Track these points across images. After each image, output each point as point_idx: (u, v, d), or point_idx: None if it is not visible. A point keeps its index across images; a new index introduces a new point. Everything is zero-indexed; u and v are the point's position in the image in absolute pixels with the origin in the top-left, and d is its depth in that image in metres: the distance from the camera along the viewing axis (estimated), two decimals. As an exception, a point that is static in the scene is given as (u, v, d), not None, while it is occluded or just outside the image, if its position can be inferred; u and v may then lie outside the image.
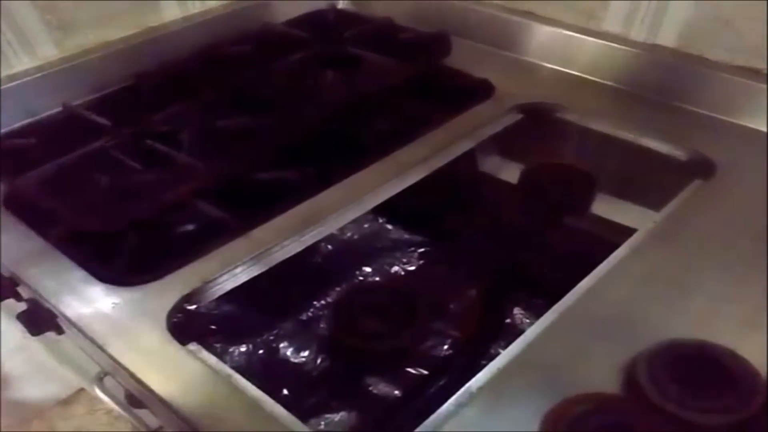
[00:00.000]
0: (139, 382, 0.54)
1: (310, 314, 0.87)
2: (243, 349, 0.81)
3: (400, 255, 0.93)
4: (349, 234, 0.95)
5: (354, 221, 0.73)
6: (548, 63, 0.93)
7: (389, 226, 0.96)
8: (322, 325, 0.86)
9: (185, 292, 0.59)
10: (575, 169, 0.78)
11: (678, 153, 0.75)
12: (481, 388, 0.50)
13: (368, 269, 0.92)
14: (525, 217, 0.81)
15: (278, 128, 0.79)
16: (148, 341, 0.56)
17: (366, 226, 0.96)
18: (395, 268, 0.92)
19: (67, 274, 0.62)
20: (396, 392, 0.79)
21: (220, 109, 0.83)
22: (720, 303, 0.56)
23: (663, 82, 0.83)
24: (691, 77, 0.81)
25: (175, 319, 0.58)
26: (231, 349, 0.80)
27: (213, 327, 0.79)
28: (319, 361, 0.82)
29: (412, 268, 0.92)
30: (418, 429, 0.48)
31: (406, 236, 0.95)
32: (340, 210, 0.69)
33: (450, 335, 0.84)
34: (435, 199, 0.85)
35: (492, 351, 0.82)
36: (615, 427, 0.45)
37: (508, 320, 0.86)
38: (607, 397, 0.47)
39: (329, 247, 0.93)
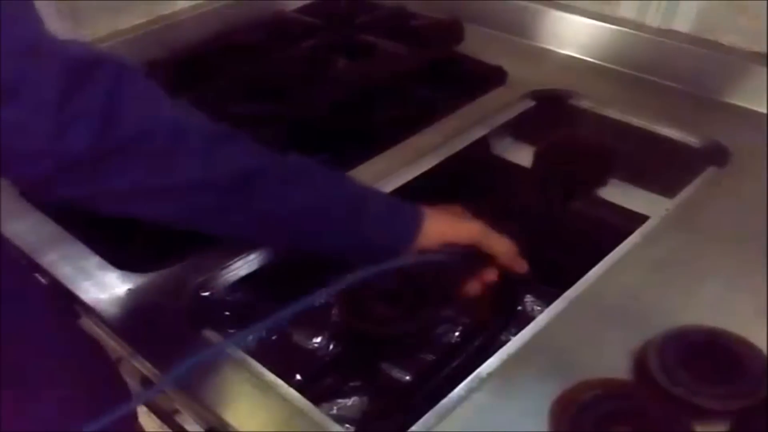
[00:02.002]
0: (154, 365, 0.55)
1: (321, 301, 0.87)
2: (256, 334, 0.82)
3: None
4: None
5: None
6: (562, 49, 0.92)
7: None
8: (334, 312, 0.86)
9: (199, 278, 0.60)
10: (590, 144, 0.77)
11: (692, 140, 0.75)
12: (491, 374, 0.50)
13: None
14: (539, 202, 0.80)
15: (290, 116, 0.79)
16: (164, 327, 0.56)
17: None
18: None
19: (84, 260, 0.63)
20: (407, 378, 0.79)
21: (232, 96, 0.83)
22: (732, 291, 0.56)
23: (678, 69, 0.82)
24: (706, 63, 0.81)
25: (189, 305, 0.58)
26: (244, 335, 0.81)
27: (227, 313, 0.80)
28: (331, 346, 0.82)
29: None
30: (428, 413, 0.48)
31: None
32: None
33: (461, 322, 0.85)
34: (447, 186, 0.85)
35: (503, 338, 0.82)
36: (625, 412, 0.45)
37: (519, 307, 0.86)
38: (617, 382, 0.47)
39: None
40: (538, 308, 0.85)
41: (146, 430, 0.72)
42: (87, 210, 0.51)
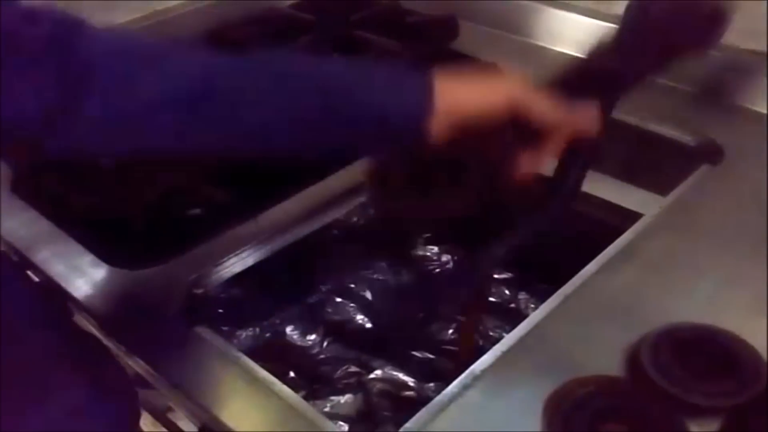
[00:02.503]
0: (148, 363, 0.55)
1: (316, 298, 0.87)
2: (250, 332, 0.82)
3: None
4: (355, 219, 0.96)
5: (360, 206, 0.74)
6: (557, 47, 0.92)
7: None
8: (328, 309, 0.86)
9: (192, 275, 0.60)
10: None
11: (686, 138, 0.75)
12: (485, 371, 0.50)
13: (383, 264, 0.91)
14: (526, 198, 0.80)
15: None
16: (157, 324, 0.56)
17: (372, 211, 0.96)
18: None
19: (77, 257, 0.63)
20: (401, 375, 0.80)
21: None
22: (725, 288, 0.56)
23: (674, 67, 0.82)
24: (702, 61, 0.80)
25: (183, 303, 0.58)
26: (238, 333, 0.81)
27: (220, 311, 0.80)
28: (325, 344, 0.83)
29: (419, 252, 0.93)
30: (422, 410, 0.48)
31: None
32: (347, 194, 0.69)
33: (455, 319, 0.85)
34: (440, 182, 0.85)
35: (496, 335, 0.82)
36: (618, 409, 0.45)
37: (512, 305, 0.87)
38: (610, 379, 0.48)
39: (335, 232, 0.94)
40: (532, 305, 0.86)
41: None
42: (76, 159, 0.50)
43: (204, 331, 0.56)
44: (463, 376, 0.50)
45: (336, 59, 0.50)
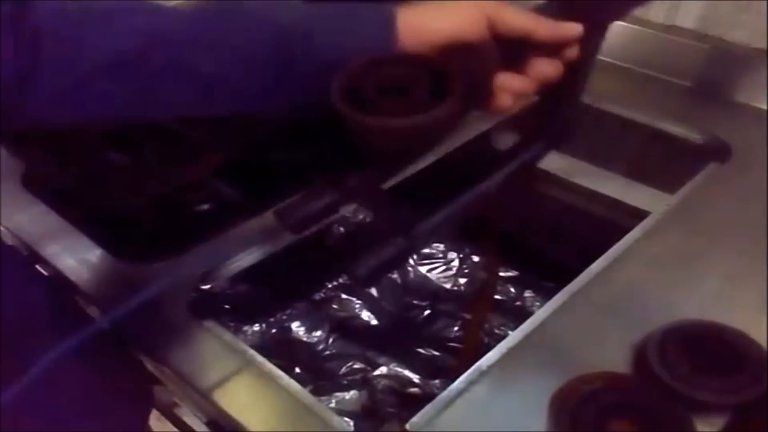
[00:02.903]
0: (155, 358, 0.55)
1: (322, 295, 0.88)
2: (256, 328, 0.83)
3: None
4: (361, 216, 0.96)
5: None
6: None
7: None
8: (334, 306, 0.87)
9: (200, 271, 0.60)
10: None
11: (694, 136, 0.75)
12: (491, 367, 0.51)
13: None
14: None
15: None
16: (166, 318, 0.57)
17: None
18: None
19: (86, 251, 0.63)
20: (406, 372, 0.80)
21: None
22: (732, 286, 0.56)
23: (681, 65, 0.82)
24: (709, 60, 0.81)
25: (191, 298, 0.59)
26: (245, 328, 0.82)
27: (227, 306, 0.80)
28: (331, 340, 0.83)
29: (425, 250, 0.93)
30: (428, 406, 0.48)
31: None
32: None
33: (461, 317, 0.85)
34: (447, 181, 0.85)
35: (501, 333, 0.82)
36: (624, 405, 0.45)
37: (518, 303, 0.87)
38: (617, 376, 0.48)
39: (341, 229, 0.94)
40: (538, 303, 0.86)
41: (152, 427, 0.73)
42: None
43: (212, 326, 0.56)
44: (469, 372, 0.50)
45: (294, 4, 0.48)
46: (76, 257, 0.63)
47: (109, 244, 0.64)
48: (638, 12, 0.87)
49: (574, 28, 0.46)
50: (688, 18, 0.83)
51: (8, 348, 0.48)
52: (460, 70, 0.43)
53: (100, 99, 0.46)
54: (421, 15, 0.46)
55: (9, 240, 0.67)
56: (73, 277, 0.61)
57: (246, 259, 0.63)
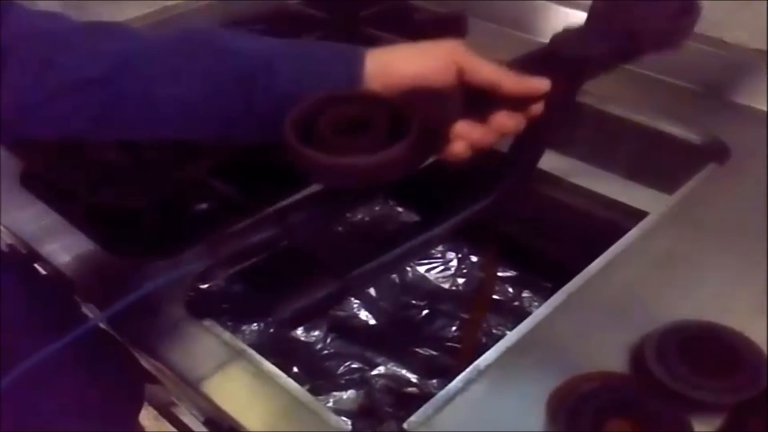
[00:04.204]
0: (153, 356, 0.55)
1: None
2: (254, 327, 0.82)
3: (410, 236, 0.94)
4: (359, 216, 0.96)
5: (364, 204, 0.74)
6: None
7: (400, 209, 0.96)
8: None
9: (199, 270, 0.60)
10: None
11: (693, 137, 0.75)
12: (489, 366, 0.51)
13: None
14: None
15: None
16: (164, 316, 0.57)
17: (377, 208, 0.97)
18: None
19: (84, 249, 0.63)
20: (404, 371, 0.80)
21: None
22: (730, 286, 0.56)
23: (680, 66, 0.82)
24: (708, 61, 0.81)
25: (189, 297, 0.59)
26: (243, 327, 0.82)
27: (225, 306, 0.80)
28: (329, 340, 0.83)
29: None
30: (426, 404, 0.48)
31: (417, 219, 0.95)
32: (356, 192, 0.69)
33: (459, 317, 0.85)
34: (446, 182, 0.85)
35: (499, 333, 0.82)
36: (622, 404, 0.45)
37: (516, 303, 0.87)
38: (614, 375, 0.48)
39: (339, 228, 0.94)
40: (536, 303, 0.86)
41: (143, 425, 0.73)
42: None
43: (210, 325, 0.56)
44: (467, 371, 0.50)
45: (264, 38, 0.48)
46: (75, 255, 0.63)
47: (108, 242, 0.64)
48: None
49: (540, 84, 0.46)
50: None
51: (6, 346, 0.48)
52: (419, 113, 0.42)
53: (60, 120, 0.46)
54: (389, 57, 0.46)
55: (7, 238, 0.67)
56: (71, 275, 0.61)
57: (233, 261, 0.63)
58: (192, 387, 0.52)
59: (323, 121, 0.42)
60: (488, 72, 0.45)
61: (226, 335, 0.55)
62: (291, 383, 0.51)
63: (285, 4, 1.06)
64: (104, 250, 0.63)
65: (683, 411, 0.44)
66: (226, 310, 0.80)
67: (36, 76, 0.44)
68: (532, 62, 0.48)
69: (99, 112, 0.46)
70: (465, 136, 0.44)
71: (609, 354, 0.50)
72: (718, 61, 0.80)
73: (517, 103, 0.46)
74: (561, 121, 0.50)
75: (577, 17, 0.89)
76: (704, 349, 0.47)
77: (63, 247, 0.64)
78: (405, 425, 0.47)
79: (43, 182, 0.71)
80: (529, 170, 0.54)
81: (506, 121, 0.45)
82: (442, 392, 0.49)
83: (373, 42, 0.92)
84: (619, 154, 0.78)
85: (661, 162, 0.77)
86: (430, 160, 0.45)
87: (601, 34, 0.52)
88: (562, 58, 0.50)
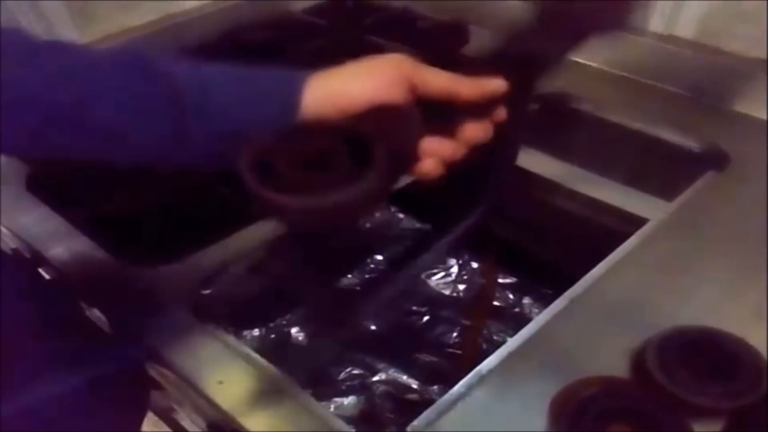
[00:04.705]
0: (158, 360, 0.55)
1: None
2: (255, 333, 0.83)
3: (410, 244, 0.94)
4: (368, 225, 0.96)
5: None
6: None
7: (401, 215, 0.96)
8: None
9: (202, 276, 0.61)
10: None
11: (693, 144, 0.76)
12: (491, 371, 0.51)
13: (379, 257, 0.92)
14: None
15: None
16: (170, 321, 0.57)
17: (378, 214, 0.97)
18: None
19: (89, 254, 0.64)
20: (404, 377, 0.80)
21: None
22: (730, 292, 0.56)
23: (680, 74, 0.83)
24: (708, 69, 0.81)
25: (193, 301, 0.59)
26: (244, 333, 0.82)
27: (226, 311, 0.81)
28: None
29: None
30: (428, 409, 0.49)
31: (417, 225, 0.96)
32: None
33: (460, 323, 0.85)
34: (447, 188, 0.86)
35: (499, 339, 0.82)
36: (623, 409, 0.45)
37: (516, 309, 0.87)
38: (616, 380, 0.48)
39: (343, 233, 0.94)
40: (536, 310, 0.86)
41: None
42: None
43: (214, 329, 0.57)
44: (468, 376, 0.51)
45: (206, 65, 0.46)
46: (79, 260, 0.63)
47: (113, 247, 0.64)
48: (638, 21, 0.88)
49: (497, 84, 0.44)
50: (687, 28, 0.84)
51: (10, 349, 0.48)
52: (382, 136, 0.40)
53: (2, 137, 0.44)
54: (336, 80, 0.44)
55: (12, 242, 0.68)
56: (74, 280, 0.61)
57: (246, 263, 0.63)
58: (196, 391, 0.52)
59: (282, 158, 0.39)
60: (441, 81, 0.44)
61: (231, 339, 0.56)
62: (295, 388, 0.51)
63: (290, 13, 1.07)
64: (108, 255, 0.63)
65: (684, 416, 0.45)
66: (228, 315, 0.81)
67: None
68: (488, 63, 0.47)
69: (34, 130, 0.44)
70: (434, 153, 0.43)
71: (610, 359, 0.50)
72: (717, 69, 0.81)
73: (478, 107, 0.44)
74: (525, 117, 0.50)
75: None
76: (705, 354, 0.48)
77: (67, 251, 0.64)
78: (408, 429, 0.48)
79: (49, 187, 0.72)
80: (509, 169, 0.54)
81: (474, 131, 0.44)
82: (445, 397, 0.50)
83: (377, 50, 0.93)
84: (619, 161, 0.79)
85: (661, 169, 0.78)
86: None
87: (546, 26, 0.51)
88: (513, 56, 0.49)
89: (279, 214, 0.39)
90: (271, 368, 0.53)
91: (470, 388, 0.50)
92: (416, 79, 0.43)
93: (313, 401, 0.51)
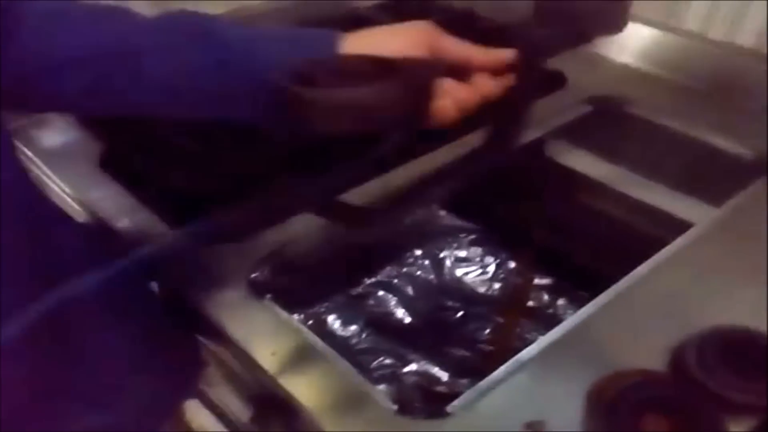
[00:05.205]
0: (213, 332, 0.58)
1: (360, 290, 0.88)
2: (295, 317, 0.84)
3: (450, 240, 0.94)
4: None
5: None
6: (624, 58, 0.92)
7: (442, 212, 0.97)
8: (370, 302, 0.87)
9: (257, 256, 0.63)
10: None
11: (744, 152, 0.76)
12: (531, 359, 0.53)
13: (418, 252, 0.93)
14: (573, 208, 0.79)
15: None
16: (229, 295, 0.59)
17: (419, 210, 0.98)
18: (444, 253, 0.93)
19: (155, 229, 0.67)
20: (435, 369, 0.80)
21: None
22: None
23: (737, 82, 0.83)
24: (763, 79, 0.81)
25: (247, 279, 0.61)
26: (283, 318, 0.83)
27: (269, 296, 0.83)
28: (364, 335, 0.84)
29: (463, 254, 0.94)
30: (468, 392, 0.51)
31: (458, 223, 0.96)
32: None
33: (493, 320, 0.86)
34: (491, 187, 0.86)
35: (531, 338, 0.83)
36: (660, 401, 0.47)
37: (550, 310, 0.87)
38: (654, 373, 0.49)
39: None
40: (570, 312, 0.84)
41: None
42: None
43: (268, 304, 0.59)
44: (509, 362, 0.52)
45: (252, 28, 0.51)
46: (143, 234, 0.66)
47: (178, 223, 0.65)
48: (699, 29, 0.87)
49: (507, 54, 0.50)
50: (747, 37, 0.84)
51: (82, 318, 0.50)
52: (408, 64, 0.45)
53: (57, 94, 0.49)
54: (365, 39, 0.49)
55: (81, 216, 0.71)
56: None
57: (292, 249, 0.65)
58: (250, 361, 0.55)
59: (321, 76, 0.44)
60: (458, 48, 0.49)
61: (283, 314, 0.58)
62: (343, 363, 0.54)
63: (354, 11, 1.08)
64: (176, 232, 0.66)
65: (719, 410, 0.45)
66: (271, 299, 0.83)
67: (36, 52, 0.47)
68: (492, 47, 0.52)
69: (90, 86, 0.49)
70: (451, 93, 0.48)
71: (649, 354, 0.51)
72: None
73: (491, 72, 0.50)
74: (530, 92, 0.54)
75: (635, 31, 0.90)
76: (742, 353, 0.48)
77: (134, 224, 0.67)
78: (448, 408, 0.49)
79: (121, 166, 0.75)
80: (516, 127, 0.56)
81: (488, 82, 0.49)
82: (485, 381, 0.51)
83: None
84: (669, 166, 0.79)
85: (711, 175, 0.78)
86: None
87: (548, 22, 0.57)
88: (519, 45, 0.53)
89: (308, 111, 0.43)
90: (321, 344, 0.55)
91: (510, 374, 0.52)
92: (436, 44, 0.49)
93: (360, 377, 0.53)
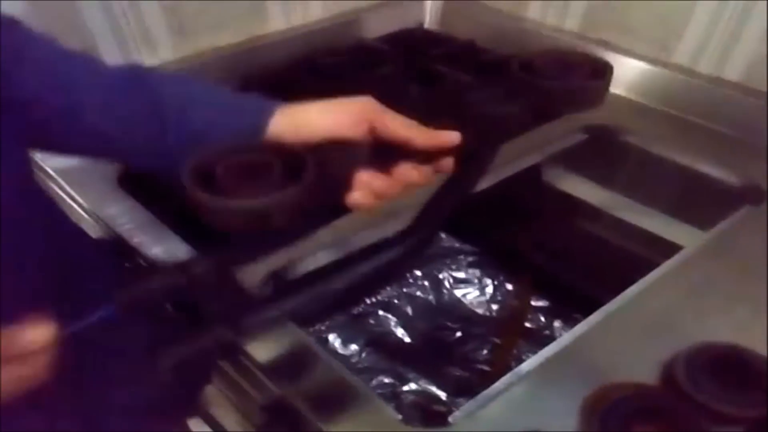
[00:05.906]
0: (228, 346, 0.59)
1: (360, 309, 0.90)
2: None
3: (450, 262, 0.96)
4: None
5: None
6: (618, 90, 0.95)
7: (443, 235, 0.99)
8: (371, 321, 0.88)
9: (260, 278, 0.65)
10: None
11: (732, 179, 0.79)
12: (530, 372, 0.55)
13: (418, 273, 0.95)
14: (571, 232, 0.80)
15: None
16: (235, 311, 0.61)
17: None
18: (443, 275, 0.95)
19: (172, 244, 0.68)
20: (434, 389, 0.81)
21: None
22: (757, 315, 0.59)
23: (726, 114, 0.86)
24: (752, 111, 0.84)
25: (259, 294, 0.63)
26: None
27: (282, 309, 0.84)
28: (364, 354, 0.85)
29: (461, 275, 0.96)
30: (469, 402, 0.53)
31: (457, 245, 0.98)
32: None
33: (491, 341, 0.87)
34: (489, 211, 0.88)
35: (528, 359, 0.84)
36: (650, 412, 0.49)
37: (547, 332, 0.89)
38: (645, 386, 0.52)
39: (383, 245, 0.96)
40: (565, 333, 0.88)
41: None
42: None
43: (281, 318, 0.59)
44: (509, 374, 0.55)
45: (193, 84, 0.52)
46: (162, 248, 0.67)
47: (196, 241, 0.68)
48: (687, 63, 0.91)
49: (450, 137, 0.48)
50: (735, 71, 0.87)
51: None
52: (315, 158, 0.43)
53: (6, 137, 0.48)
54: (303, 113, 0.48)
55: (95, 232, 0.72)
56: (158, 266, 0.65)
57: (299, 268, 0.67)
58: (262, 370, 0.56)
59: (220, 167, 0.43)
60: (399, 127, 0.47)
61: (296, 329, 0.60)
62: (350, 376, 0.55)
63: (362, 40, 1.11)
64: (190, 247, 0.68)
65: (706, 421, 0.48)
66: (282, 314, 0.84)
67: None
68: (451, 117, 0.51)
69: (37, 129, 0.49)
70: (366, 185, 0.46)
71: (641, 369, 0.54)
72: (758, 110, 0.83)
73: (429, 156, 0.48)
74: (474, 177, 0.52)
75: (628, 64, 0.94)
76: (729, 367, 0.51)
77: (151, 240, 0.68)
78: (450, 419, 0.52)
79: (138, 183, 0.76)
80: (438, 222, 0.54)
81: (409, 171, 0.47)
82: (485, 392, 0.54)
83: (439, 77, 0.97)
84: (660, 192, 0.81)
85: (700, 201, 0.80)
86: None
87: (515, 95, 0.54)
88: (477, 116, 0.53)
89: (204, 213, 0.43)
90: (328, 357, 0.57)
91: (510, 385, 0.54)
92: (377, 123, 0.47)
93: (366, 388, 0.55)
